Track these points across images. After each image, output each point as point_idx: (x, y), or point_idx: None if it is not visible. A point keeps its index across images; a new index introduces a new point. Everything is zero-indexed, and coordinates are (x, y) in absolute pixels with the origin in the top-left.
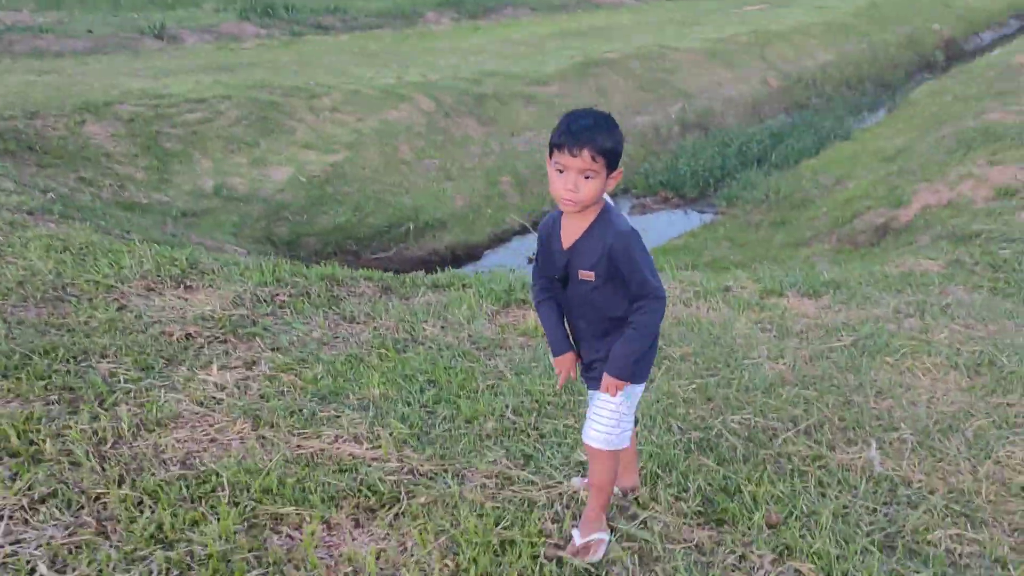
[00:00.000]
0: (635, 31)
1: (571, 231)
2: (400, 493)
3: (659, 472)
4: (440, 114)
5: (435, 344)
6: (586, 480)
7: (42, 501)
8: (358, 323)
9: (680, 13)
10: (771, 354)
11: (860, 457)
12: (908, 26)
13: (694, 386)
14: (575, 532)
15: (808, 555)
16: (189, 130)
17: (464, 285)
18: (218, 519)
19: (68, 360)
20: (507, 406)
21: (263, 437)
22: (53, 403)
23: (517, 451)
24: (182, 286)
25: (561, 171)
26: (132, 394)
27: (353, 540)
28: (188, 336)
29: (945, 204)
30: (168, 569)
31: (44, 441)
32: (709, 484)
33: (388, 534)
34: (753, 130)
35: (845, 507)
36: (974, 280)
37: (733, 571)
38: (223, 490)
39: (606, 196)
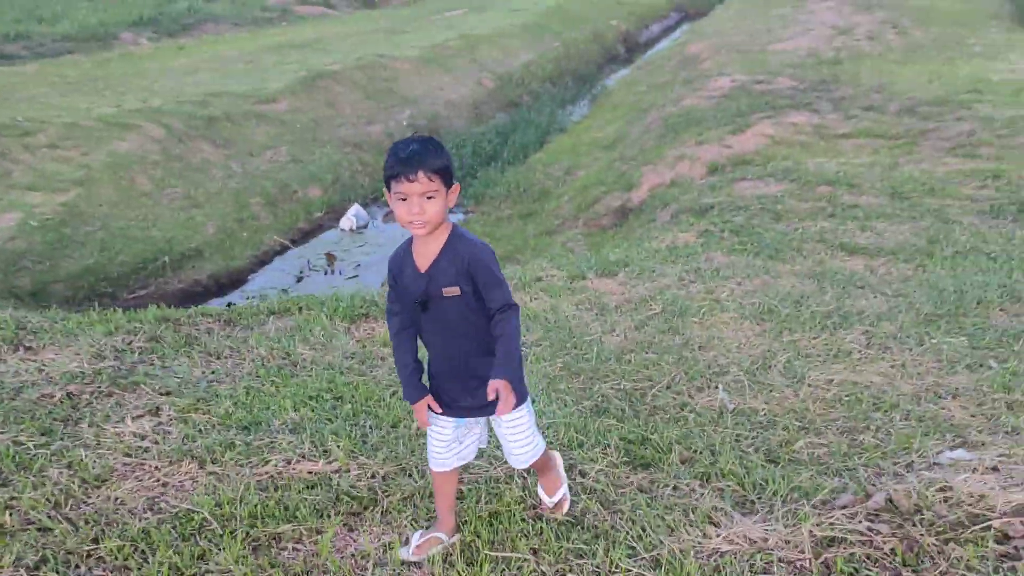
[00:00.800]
0: (347, 42)
1: (425, 255)
2: (377, 495)
3: (579, 436)
4: (173, 141)
5: (317, 364)
6: (549, 490)
7: (37, 568)
8: (227, 357)
9: (385, 22)
10: (604, 329)
11: (714, 399)
12: (592, 24)
13: (559, 365)
14: (543, 496)
15: (724, 475)
16: None
17: (302, 308)
18: (222, 549)
19: None
20: None
21: (214, 473)
22: None
23: None
24: (21, 347)
25: (404, 199)
26: (51, 459)
27: (356, 541)
28: (70, 395)
29: (669, 183)
30: None
31: None
32: (621, 439)
33: (384, 530)
34: (479, 130)
35: (733, 437)
36: (724, 245)
37: (675, 500)
38: (210, 524)
39: (451, 217)
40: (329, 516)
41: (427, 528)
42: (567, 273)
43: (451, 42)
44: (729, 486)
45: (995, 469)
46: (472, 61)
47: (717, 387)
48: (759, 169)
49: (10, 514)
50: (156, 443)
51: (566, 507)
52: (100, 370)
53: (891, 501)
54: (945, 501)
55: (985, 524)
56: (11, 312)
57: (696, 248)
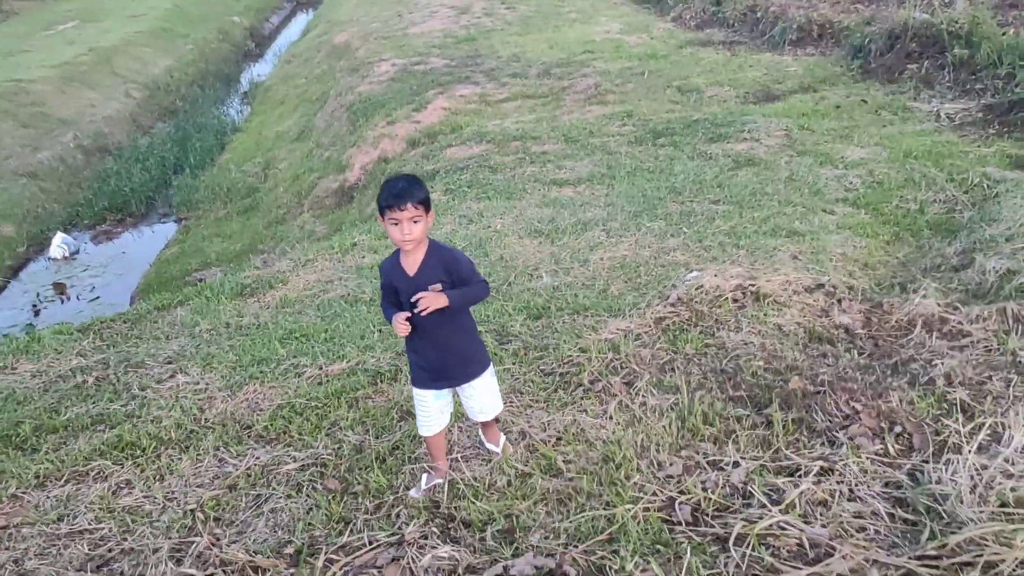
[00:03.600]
0: None
1: (412, 263)
2: (396, 368)
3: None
4: None
5: (258, 321)
6: (494, 441)
7: (227, 445)
8: (176, 338)
9: None
10: None
11: (541, 282)
12: (215, 22)
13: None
14: (491, 447)
15: (587, 309)
16: None
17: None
18: (317, 419)
19: None
20: None
21: (274, 387)
22: None
23: None
24: None
25: (396, 223)
26: (151, 400)
27: (400, 394)
28: (98, 380)
29: (378, 160)
30: None
31: None
32: (516, 309)
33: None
34: (146, 141)
35: (572, 295)
36: (470, 195)
37: (570, 323)
38: (301, 411)
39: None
40: (378, 383)
41: (430, 475)
42: (372, 236)
43: (82, 57)
44: (589, 309)
45: (716, 275)
46: (112, 74)
47: (541, 275)
48: (455, 136)
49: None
50: (210, 383)
51: (508, 447)
52: (104, 360)
53: (679, 298)
54: (699, 292)
55: (722, 297)
56: None
57: (450, 202)
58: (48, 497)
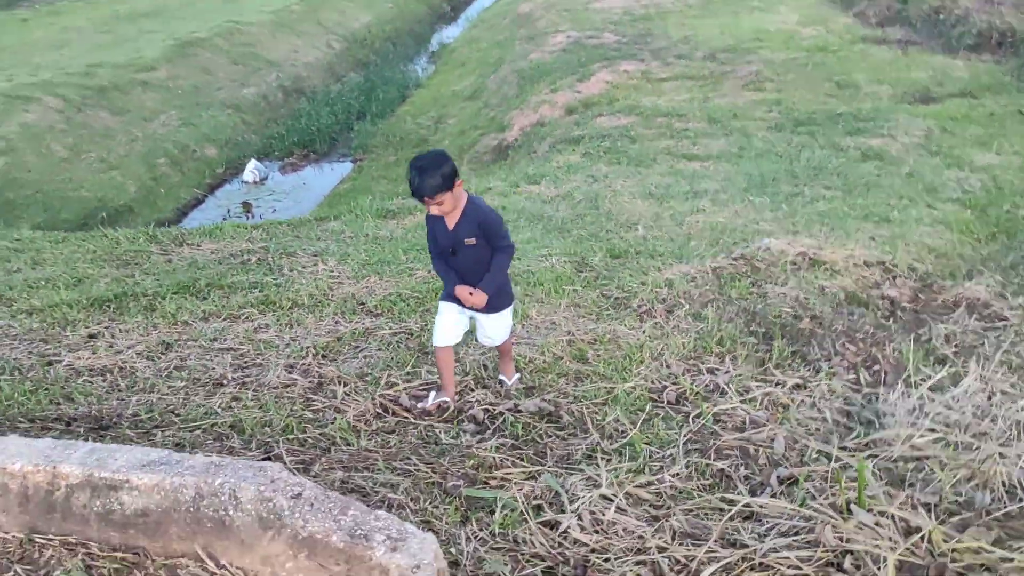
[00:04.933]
0: (191, 9)
1: (451, 219)
2: None
3: (574, 248)
4: (72, 110)
5: (388, 235)
6: (506, 374)
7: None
8: (327, 240)
9: None
10: (552, 210)
11: (636, 232)
12: None
13: (540, 229)
14: (504, 379)
15: (660, 254)
16: None
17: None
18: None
19: None
20: None
21: (390, 279)
22: None
23: None
24: (185, 244)
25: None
26: (296, 279)
27: None
28: (260, 258)
29: (536, 123)
30: None
31: None
32: (606, 252)
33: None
34: (339, 88)
35: (660, 243)
36: (603, 160)
37: (639, 263)
38: (407, 299)
39: (466, 191)
40: None
41: (438, 392)
42: (505, 183)
43: (294, 6)
44: (663, 255)
45: (788, 243)
46: (317, 24)
47: (637, 228)
48: (608, 108)
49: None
50: (342, 272)
51: (517, 384)
52: (265, 247)
53: (742, 255)
54: (765, 253)
55: (783, 259)
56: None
57: (584, 164)
58: (209, 327)
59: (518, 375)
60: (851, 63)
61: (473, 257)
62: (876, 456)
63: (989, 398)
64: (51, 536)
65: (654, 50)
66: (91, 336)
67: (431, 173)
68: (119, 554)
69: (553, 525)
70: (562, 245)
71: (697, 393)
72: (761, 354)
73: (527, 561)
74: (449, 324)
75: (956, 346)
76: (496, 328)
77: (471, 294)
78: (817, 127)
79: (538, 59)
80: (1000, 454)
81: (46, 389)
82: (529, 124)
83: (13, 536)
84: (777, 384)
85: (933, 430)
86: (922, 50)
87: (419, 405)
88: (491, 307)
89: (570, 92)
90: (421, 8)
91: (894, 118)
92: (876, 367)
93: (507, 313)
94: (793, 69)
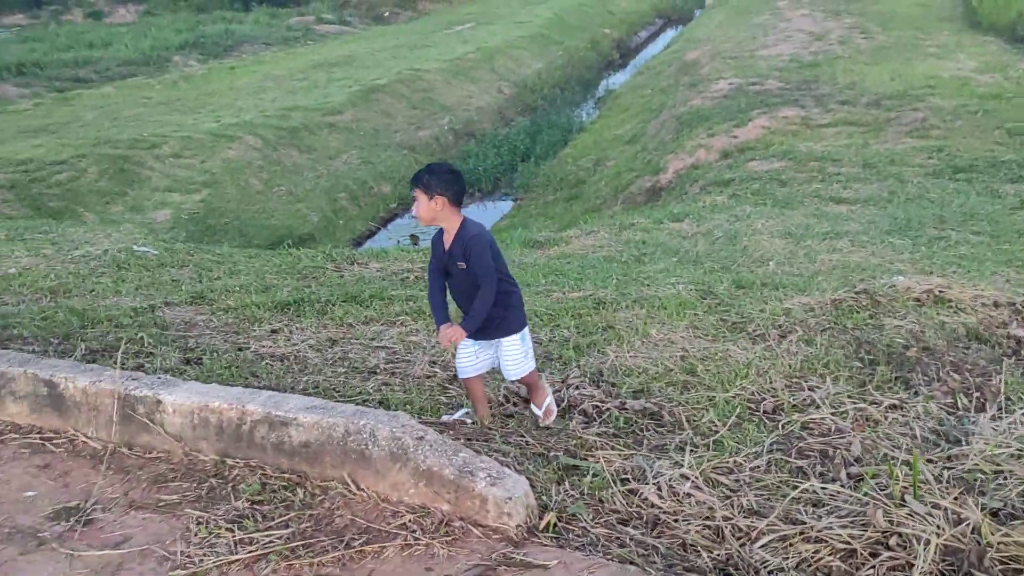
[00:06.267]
0: (377, 57)
1: (448, 240)
2: None
3: (706, 280)
4: (268, 148)
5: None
6: (537, 403)
7: None
8: None
9: (403, 37)
10: (690, 245)
11: (766, 268)
12: (588, 32)
13: (675, 260)
14: (534, 409)
15: (784, 286)
16: (64, 189)
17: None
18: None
19: None
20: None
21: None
22: None
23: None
24: (356, 264)
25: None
26: None
27: None
28: (417, 277)
29: (690, 167)
30: None
31: None
32: (731, 283)
33: None
34: (507, 131)
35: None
36: (749, 202)
37: (764, 294)
38: None
39: (463, 213)
40: (600, 309)
41: (469, 412)
42: (650, 220)
43: (470, 55)
44: (787, 287)
45: (916, 281)
46: (491, 71)
47: (769, 263)
48: (763, 152)
49: None
50: None
51: (554, 414)
52: (423, 267)
53: (864, 290)
54: (890, 289)
55: (911, 295)
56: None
57: (730, 204)
58: (369, 329)
59: (556, 414)
60: None
61: (467, 282)
62: (951, 468)
63: None
64: (237, 460)
65: (817, 96)
66: (273, 331)
67: (430, 171)
68: (287, 475)
69: (635, 492)
70: (691, 275)
71: (793, 406)
72: (863, 376)
73: (606, 513)
74: (469, 356)
75: None
76: (506, 357)
77: (448, 328)
78: (977, 174)
79: (698, 105)
80: None
81: (237, 367)
82: (684, 167)
83: (211, 459)
84: (873, 403)
85: (1012, 447)
86: None
87: (443, 417)
88: (501, 332)
89: (727, 137)
90: (591, 56)
91: None
92: (977, 394)
93: (516, 339)
94: (962, 116)
